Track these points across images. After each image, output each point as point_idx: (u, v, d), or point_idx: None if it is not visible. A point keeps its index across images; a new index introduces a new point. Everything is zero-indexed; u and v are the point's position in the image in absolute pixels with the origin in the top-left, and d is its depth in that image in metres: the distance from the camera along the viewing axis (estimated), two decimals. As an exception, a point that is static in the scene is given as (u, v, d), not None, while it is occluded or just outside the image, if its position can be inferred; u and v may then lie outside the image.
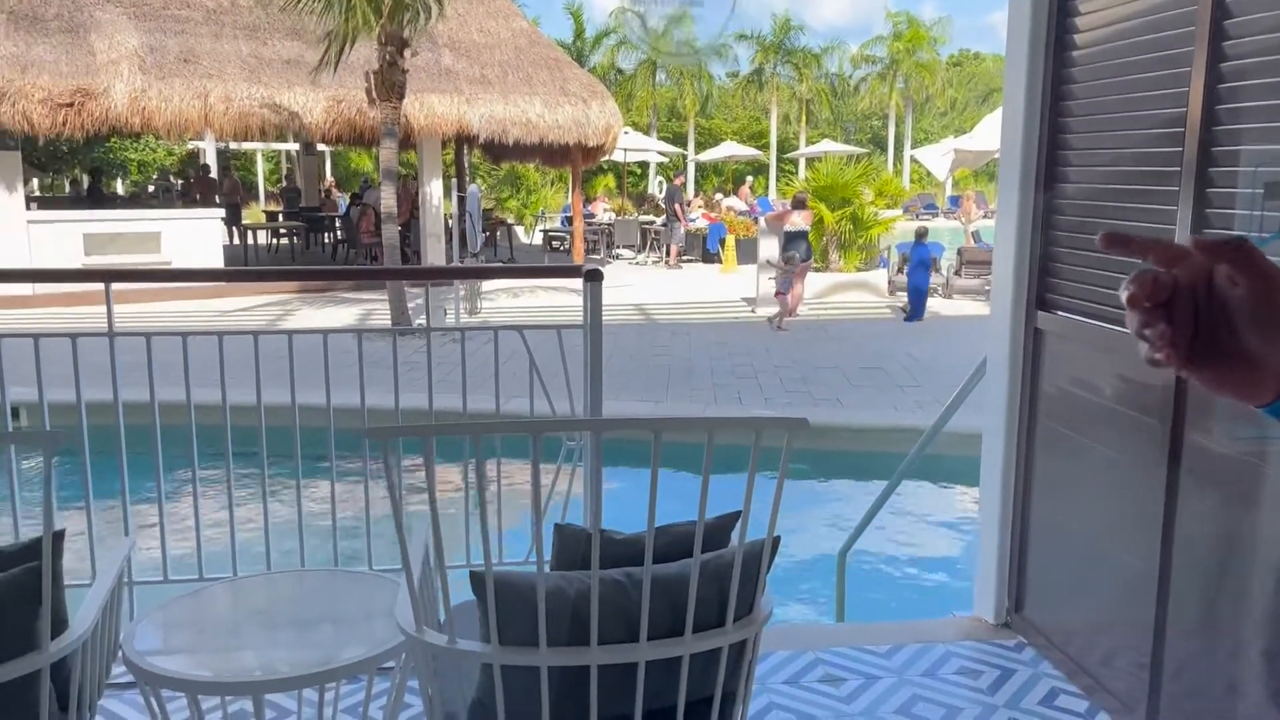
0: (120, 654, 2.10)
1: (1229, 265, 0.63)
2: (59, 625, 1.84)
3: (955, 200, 31.36)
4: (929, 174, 38.77)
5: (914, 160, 39.77)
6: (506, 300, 14.09)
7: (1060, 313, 3.08)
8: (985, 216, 32.38)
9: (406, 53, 11.45)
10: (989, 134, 14.92)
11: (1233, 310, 0.64)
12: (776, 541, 1.89)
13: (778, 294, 12.74)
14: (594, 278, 3.06)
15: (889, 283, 14.94)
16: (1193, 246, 0.64)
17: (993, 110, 40.30)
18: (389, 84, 11.29)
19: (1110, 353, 2.83)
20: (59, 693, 1.83)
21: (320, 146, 22.91)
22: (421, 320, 12.29)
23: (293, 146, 23.55)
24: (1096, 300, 2.87)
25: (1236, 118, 2.33)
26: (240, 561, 3.18)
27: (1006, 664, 3.16)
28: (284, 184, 27.49)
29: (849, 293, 14.48)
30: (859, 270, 14.71)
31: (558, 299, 13.41)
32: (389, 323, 11.97)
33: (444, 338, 11.67)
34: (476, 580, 1.75)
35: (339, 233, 19.14)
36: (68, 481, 3.76)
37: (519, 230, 24.72)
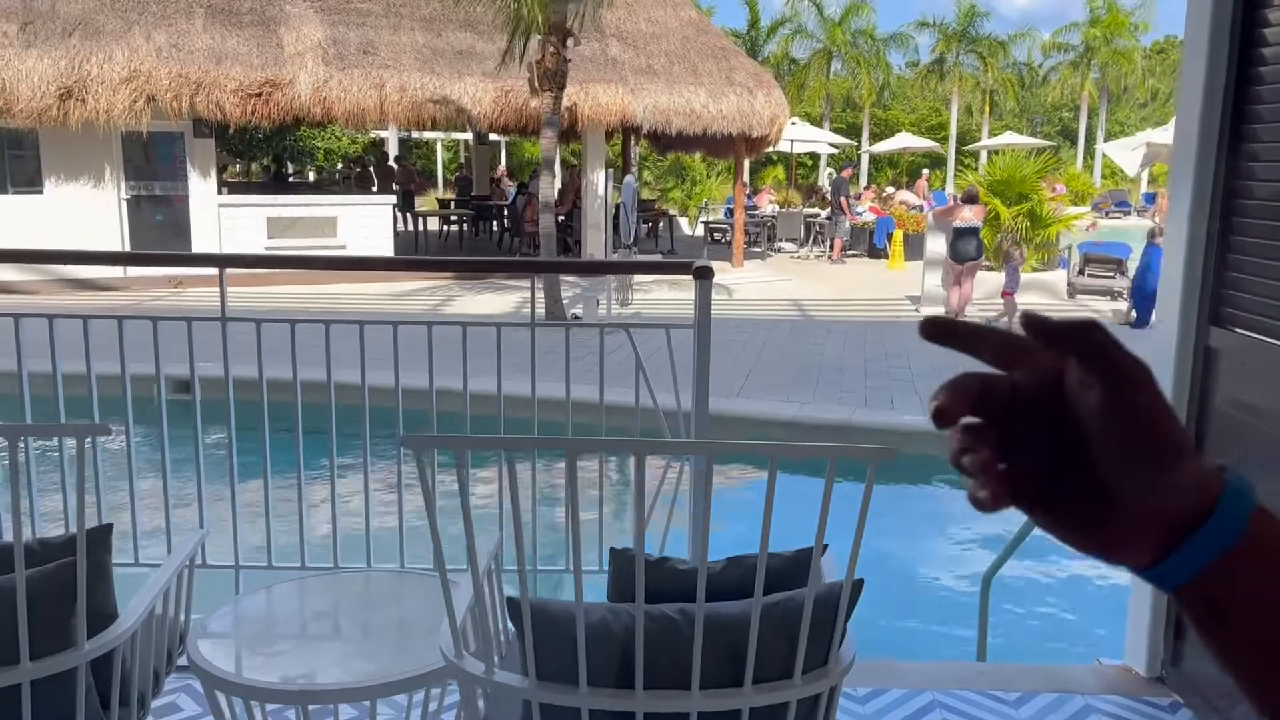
0: (184, 648, 2.07)
1: (1076, 361, 0.43)
2: (105, 620, 1.81)
3: (1150, 198, 29.26)
4: (1122, 170, 36.42)
5: (1105, 155, 37.40)
6: (663, 292, 14.01)
7: (1239, 330, 2.66)
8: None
9: (570, 42, 11.49)
10: (1188, 126, 13.72)
11: (1085, 428, 0.43)
12: (859, 585, 1.65)
13: (1005, 293, 12.29)
14: (703, 275, 2.86)
15: (1069, 284, 14.00)
16: (1023, 325, 0.43)
17: (1198, 100, 37.32)
18: (550, 74, 11.36)
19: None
20: (101, 691, 1.80)
21: (493, 136, 23.51)
22: (576, 311, 12.36)
23: (468, 135, 24.28)
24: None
25: None
26: (330, 552, 3.15)
27: (1157, 726, 2.77)
28: (460, 172, 28.42)
29: (1025, 295, 13.63)
30: (1035, 270, 13.83)
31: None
32: (544, 309, 12.10)
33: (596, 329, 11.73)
34: (514, 608, 1.60)
35: (505, 221, 19.58)
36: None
37: (682, 221, 24.64)
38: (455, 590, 1.77)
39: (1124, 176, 35.45)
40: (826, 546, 1.81)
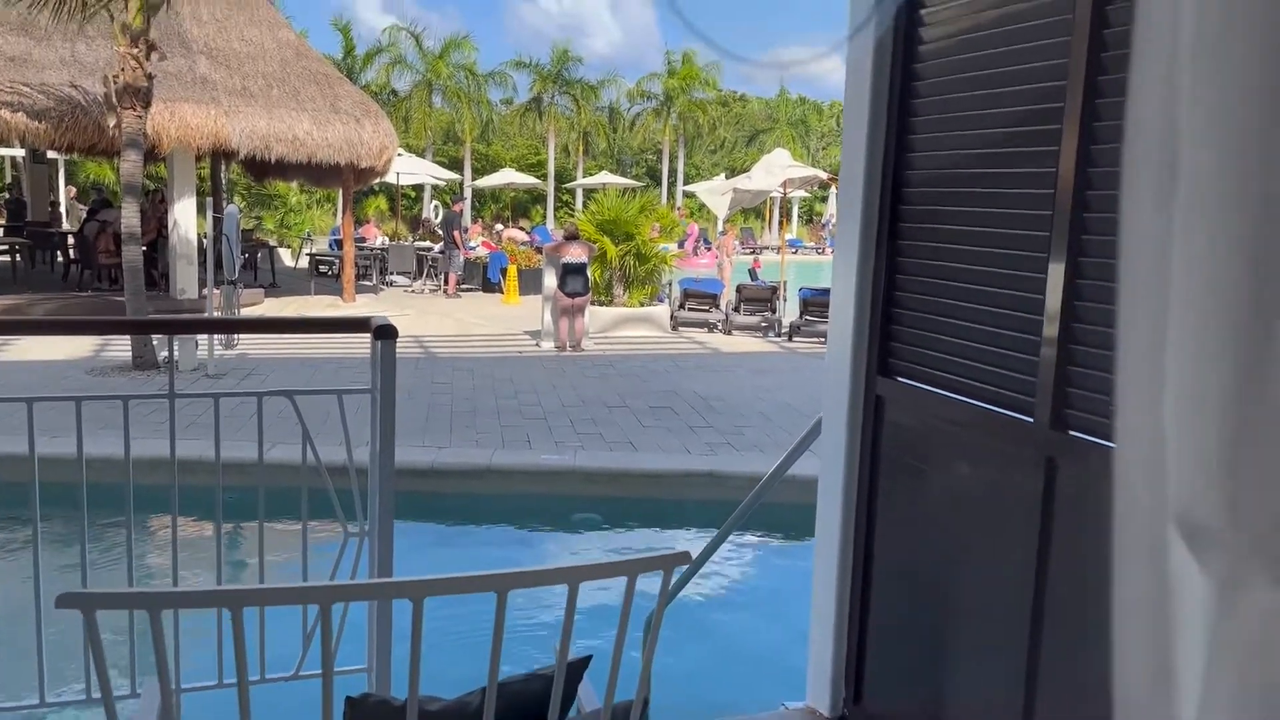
0: None
1: None
2: None
3: (704, 238, 32.39)
4: (701, 208, 40.01)
5: (687, 195, 40.95)
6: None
7: (902, 379, 2.85)
8: (752, 253, 33.58)
9: (154, 56, 10.30)
10: (766, 176, 15.32)
11: None
12: (646, 704, 1.47)
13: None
14: (386, 334, 2.54)
15: (672, 318, 14.96)
16: None
17: (760, 150, 42.20)
18: (132, 90, 10.10)
19: (960, 427, 2.62)
20: None
21: (50, 154, 20.56)
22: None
23: (18, 152, 21.01)
24: (942, 369, 2.66)
25: (1109, 179, 2.15)
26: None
27: (848, 764, 2.87)
28: (10, 194, 24.57)
29: (633, 328, 14.36)
30: (642, 305, 14.64)
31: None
32: (129, 353, 10.66)
33: (194, 374, 10.50)
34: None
35: (73, 251, 17.15)
36: None
37: (283, 253, 23.21)
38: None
39: (703, 215, 38.96)
40: (589, 660, 1.61)
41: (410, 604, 1.22)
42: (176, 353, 10.61)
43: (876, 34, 2.73)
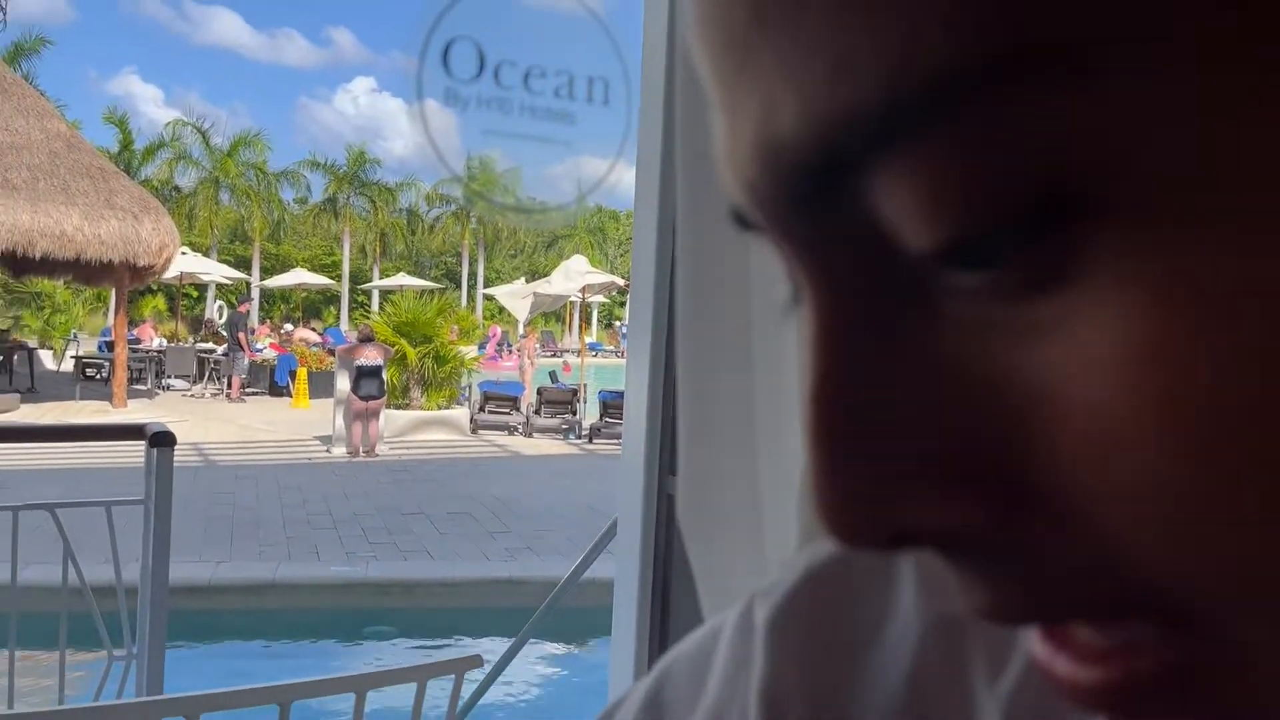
0: None
1: None
2: None
3: (501, 344, 32.61)
4: (502, 310, 40.21)
5: (487, 298, 41.06)
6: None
7: (693, 477, 2.97)
8: (555, 355, 33.93)
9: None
10: (565, 280, 15.63)
11: None
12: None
13: None
14: (162, 442, 2.42)
15: (472, 420, 14.82)
16: None
17: (559, 256, 42.97)
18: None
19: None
20: None
21: None
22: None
23: None
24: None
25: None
26: None
27: None
28: None
29: (431, 431, 14.12)
30: (441, 408, 14.44)
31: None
32: None
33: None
34: None
35: None
36: None
37: (45, 355, 21.48)
38: None
39: (503, 318, 39.14)
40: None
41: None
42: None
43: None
